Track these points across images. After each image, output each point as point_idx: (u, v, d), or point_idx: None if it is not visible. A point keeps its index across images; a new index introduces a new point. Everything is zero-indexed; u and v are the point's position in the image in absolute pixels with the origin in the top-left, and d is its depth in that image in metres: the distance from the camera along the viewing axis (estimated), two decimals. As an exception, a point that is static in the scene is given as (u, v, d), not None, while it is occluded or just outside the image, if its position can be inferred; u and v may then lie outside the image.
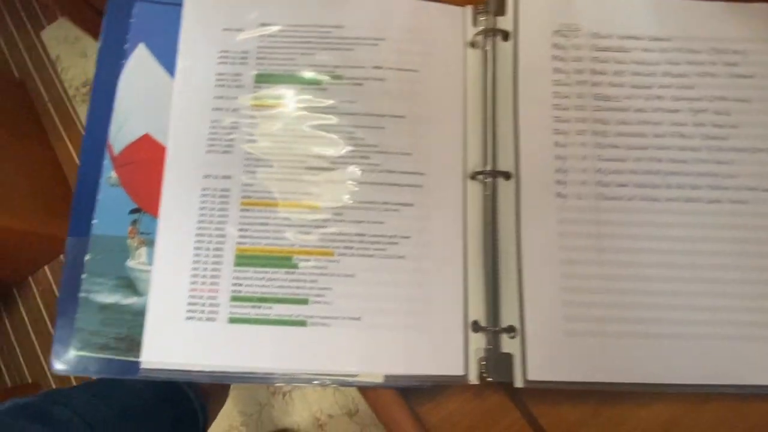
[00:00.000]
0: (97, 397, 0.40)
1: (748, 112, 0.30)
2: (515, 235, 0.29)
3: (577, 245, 0.29)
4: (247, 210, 0.30)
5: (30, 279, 1.24)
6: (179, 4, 0.33)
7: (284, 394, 1.02)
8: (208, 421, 0.49)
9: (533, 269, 0.29)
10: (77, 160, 1.26)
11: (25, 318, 1.23)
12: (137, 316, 0.29)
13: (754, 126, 0.30)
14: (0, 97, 1.23)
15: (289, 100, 0.31)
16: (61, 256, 1.21)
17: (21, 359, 1.20)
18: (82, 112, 1.30)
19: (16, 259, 1.16)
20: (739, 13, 0.32)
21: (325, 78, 0.31)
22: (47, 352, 1.17)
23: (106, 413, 0.39)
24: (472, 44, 0.32)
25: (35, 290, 1.24)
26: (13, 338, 1.22)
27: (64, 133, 1.30)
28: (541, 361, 0.28)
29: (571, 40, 0.31)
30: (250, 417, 1.02)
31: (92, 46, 1.33)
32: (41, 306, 1.23)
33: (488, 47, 0.32)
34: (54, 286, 1.22)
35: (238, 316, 0.29)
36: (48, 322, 1.21)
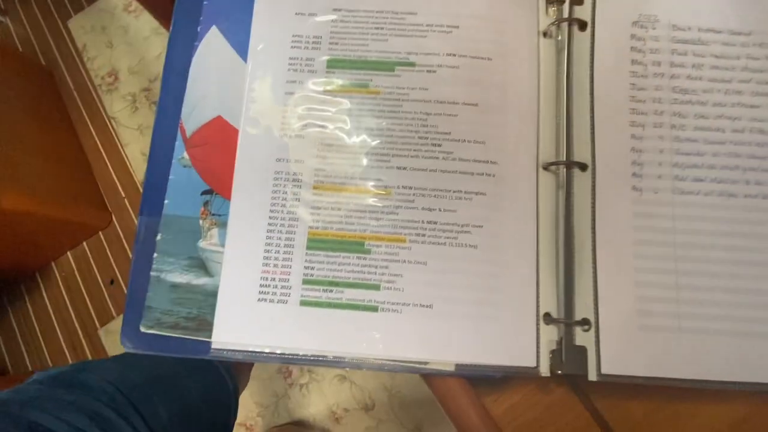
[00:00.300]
0: (126, 365, 0.41)
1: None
2: (590, 228, 0.29)
3: (652, 239, 0.29)
4: (319, 194, 0.30)
5: (53, 264, 1.25)
6: (251, -12, 0.33)
7: (301, 387, 1.02)
8: (237, 391, 0.49)
9: (608, 262, 0.28)
10: (101, 149, 1.27)
11: (48, 304, 1.24)
12: (208, 296, 0.29)
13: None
14: (26, 83, 1.24)
15: (360, 85, 0.31)
16: (84, 244, 1.22)
17: (43, 345, 1.21)
18: (107, 101, 1.31)
19: (39, 244, 1.17)
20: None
21: (397, 64, 0.31)
22: (69, 339, 1.19)
23: (135, 379, 0.39)
24: (545, 33, 0.32)
25: (58, 276, 1.24)
26: (35, 324, 1.23)
27: (89, 122, 1.31)
28: (615, 354, 0.27)
29: (649, 32, 0.31)
30: (266, 408, 1.03)
31: (118, 36, 1.35)
32: (63, 292, 1.23)
33: (561, 37, 0.31)
34: (77, 273, 1.23)
35: (309, 299, 0.29)
36: (70, 309, 1.22)
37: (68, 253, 1.25)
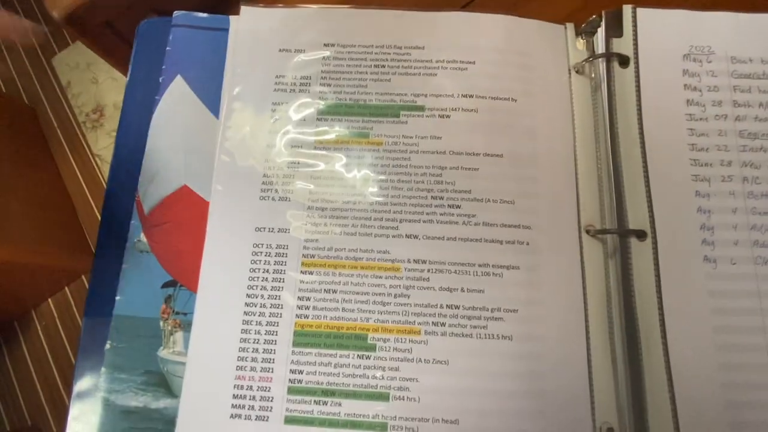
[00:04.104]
0: None
1: None
2: (657, 314, 0.22)
3: (737, 325, 0.22)
4: (309, 272, 0.24)
5: (33, 313, 1.17)
6: (224, 29, 0.28)
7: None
8: None
9: (684, 359, 0.22)
10: (86, 189, 1.21)
11: (27, 355, 1.15)
12: (171, 424, 0.22)
13: None
14: (9, 123, 1.20)
15: (359, 135, 0.26)
16: (67, 289, 1.15)
17: (21, 400, 1.12)
18: (92, 138, 1.26)
19: (18, 292, 1.10)
20: None
21: (403, 109, 0.26)
22: (49, 394, 1.10)
23: None
24: (577, 70, 0.27)
25: (38, 325, 1.17)
26: (13, 377, 1.14)
27: (73, 161, 1.26)
28: (704, 483, 0.21)
29: (704, 66, 0.26)
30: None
31: (104, 72, 1.31)
32: (44, 342, 1.15)
33: (595, 74, 0.26)
34: (58, 322, 1.15)
35: (297, 414, 0.22)
36: (51, 361, 1.13)
37: (49, 300, 1.17)
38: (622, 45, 0.26)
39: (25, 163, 1.16)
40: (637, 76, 0.26)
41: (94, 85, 1.32)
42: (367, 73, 0.26)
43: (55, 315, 1.15)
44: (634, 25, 0.26)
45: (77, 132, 1.29)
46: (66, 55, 1.37)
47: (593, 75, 0.27)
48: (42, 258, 1.02)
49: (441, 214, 0.24)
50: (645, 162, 0.24)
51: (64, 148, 1.28)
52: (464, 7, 0.28)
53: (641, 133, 0.25)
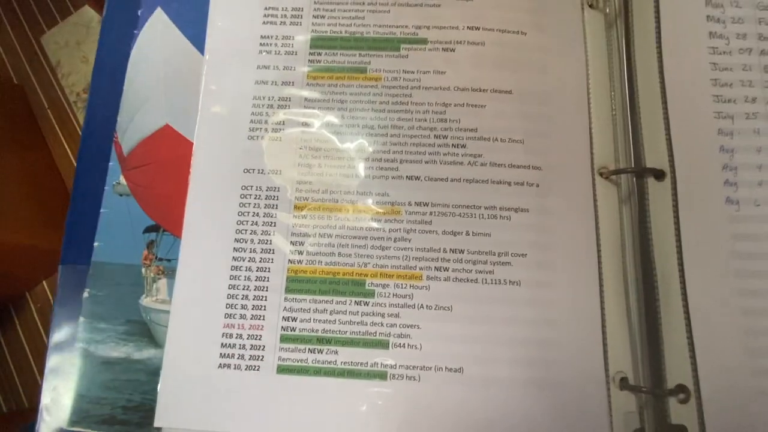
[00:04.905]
0: None
1: None
2: (676, 258, 0.21)
3: (760, 269, 0.21)
4: (303, 216, 0.22)
5: (27, 295, 1.16)
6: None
7: None
8: None
9: (704, 305, 0.20)
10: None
11: (22, 338, 1.14)
12: (154, 375, 0.21)
13: None
14: (-2, 104, 1.17)
15: (356, 70, 0.24)
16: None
17: (18, 382, 1.11)
18: (82, 118, 1.24)
19: (12, 275, 1.09)
20: None
21: (403, 42, 0.24)
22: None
23: None
24: (591, 4, 0.25)
25: (33, 307, 1.15)
26: (9, 360, 1.13)
27: (64, 141, 1.23)
28: (725, 434, 0.19)
29: (729, -4, 0.24)
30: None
31: (94, 51, 1.28)
32: (39, 325, 1.14)
33: (609, 8, 0.24)
34: (53, 303, 1.14)
35: (289, 363, 0.20)
36: (47, 342, 1.12)
37: (43, 282, 1.16)
38: (640, -25, 0.24)
39: (15, 144, 1.14)
40: (657, 7, 0.24)
41: (84, 64, 1.28)
42: (364, 3, 0.24)
43: (50, 296, 1.14)
44: (654, -47, 0.24)
45: (68, 111, 1.26)
46: (55, 33, 1.33)
47: (608, 10, 0.25)
48: (34, 239, 1.00)
49: (444, 154, 0.23)
50: (664, 98, 0.23)
51: (55, 128, 1.25)
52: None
53: (661, 68, 0.23)
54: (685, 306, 0.20)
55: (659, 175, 0.22)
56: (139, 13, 0.25)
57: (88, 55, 1.29)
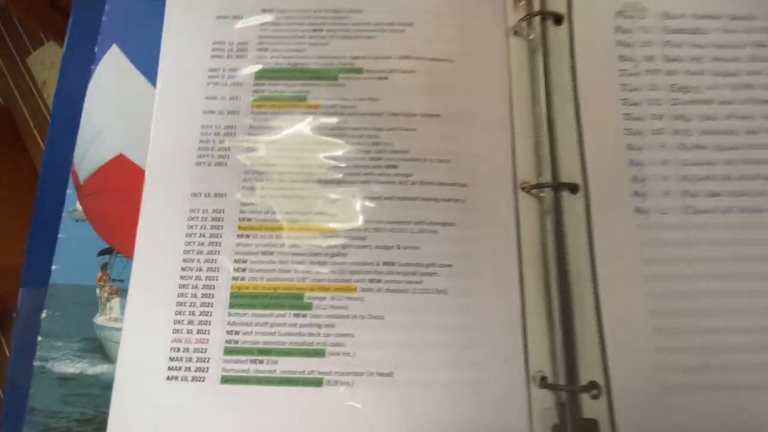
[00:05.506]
0: None
1: None
2: (588, 264, 0.23)
3: (668, 273, 0.23)
4: (246, 236, 0.24)
5: (14, 315, 1.16)
6: (161, -4, 0.27)
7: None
8: None
9: (615, 305, 0.22)
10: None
11: (8, 358, 1.13)
12: (108, 390, 0.22)
13: None
14: (-17, 127, 1.18)
15: (296, 99, 0.26)
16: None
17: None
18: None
19: (-1, 296, 1.08)
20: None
21: (341, 72, 0.26)
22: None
23: None
24: (515, 32, 0.27)
25: (16, 327, 1.15)
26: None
27: (51, 160, 1.24)
28: (636, 427, 0.21)
29: (637, 22, 0.26)
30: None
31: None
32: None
33: (533, 35, 0.26)
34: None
35: (233, 374, 0.22)
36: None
37: (29, 301, 1.16)
38: (558, 3, 0.26)
39: (2, 166, 1.14)
40: (571, 34, 0.26)
41: (70, 83, 1.30)
42: (305, 37, 0.26)
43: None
44: (568, -16, 0.27)
45: (54, 131, 1.28)
46: (41, 54, 1.35)
47: (531, 36, 0.27)
48: (21, 259, 1.01)
49: (378, 175, 0.24)
50: (578, 117, 0.25)
51: (42, 149, 1.27)
52: (404, -27, 0.28)
53: (575, 89, 0.25)
54: (597, 308, 0.22)
55: (574, 188, 0.24)
56: (96, 50, 0.27)
57: (74, 76, 1.30)
